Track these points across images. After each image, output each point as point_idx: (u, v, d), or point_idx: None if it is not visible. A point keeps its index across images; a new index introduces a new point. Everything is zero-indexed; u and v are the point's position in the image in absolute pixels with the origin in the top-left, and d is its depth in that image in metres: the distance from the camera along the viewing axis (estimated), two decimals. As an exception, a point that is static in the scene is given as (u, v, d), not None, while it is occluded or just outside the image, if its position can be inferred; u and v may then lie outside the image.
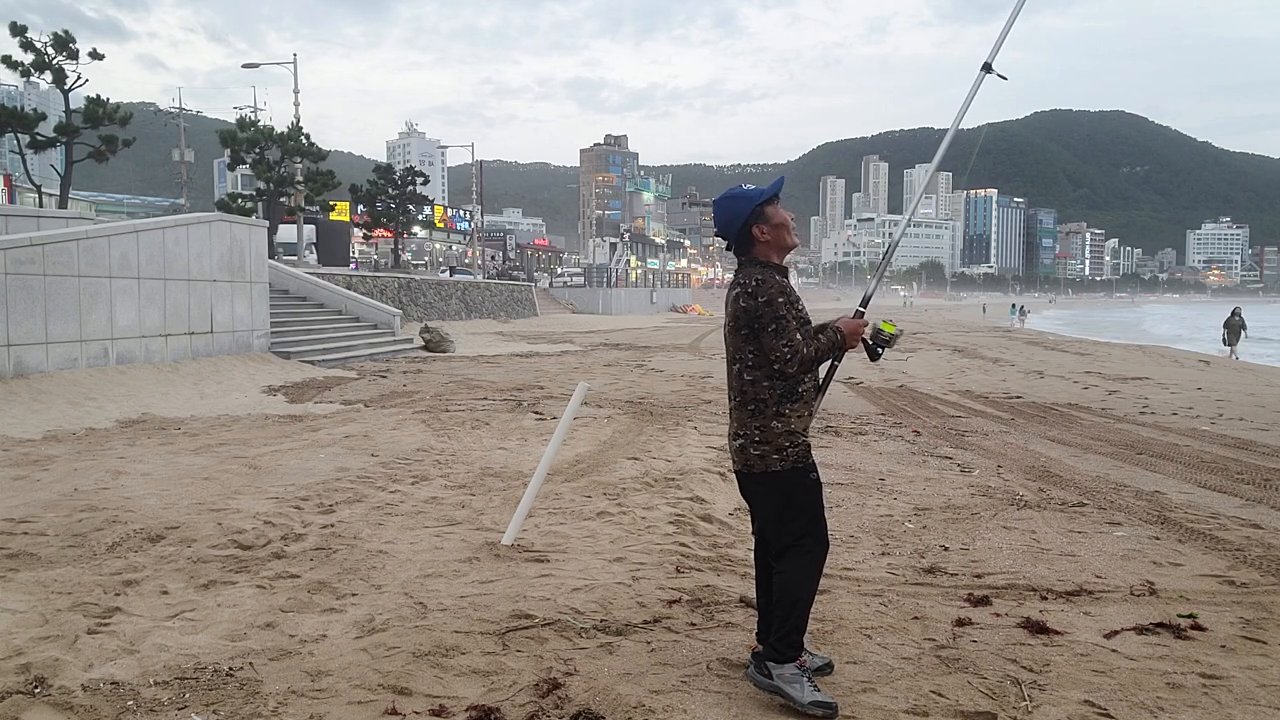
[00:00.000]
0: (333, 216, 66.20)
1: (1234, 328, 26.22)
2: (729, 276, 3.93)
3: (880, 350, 3.27)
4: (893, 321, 3.30)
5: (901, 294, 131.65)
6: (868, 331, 3.24)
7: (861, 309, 3.31)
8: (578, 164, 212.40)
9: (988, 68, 3.83)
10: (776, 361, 3.06)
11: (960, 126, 3.75)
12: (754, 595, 4.01)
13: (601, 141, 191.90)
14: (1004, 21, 3.97)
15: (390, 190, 51.33)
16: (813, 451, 3.21)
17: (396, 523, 5.36)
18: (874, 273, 3.71)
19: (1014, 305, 58.38)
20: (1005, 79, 3.89)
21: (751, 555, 4.80)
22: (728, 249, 3.29)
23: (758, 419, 3.14)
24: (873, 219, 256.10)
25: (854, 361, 19.94)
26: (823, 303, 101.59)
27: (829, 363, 3.23)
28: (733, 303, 3.17)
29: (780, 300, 3.06)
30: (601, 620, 3.78)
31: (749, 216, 3.16)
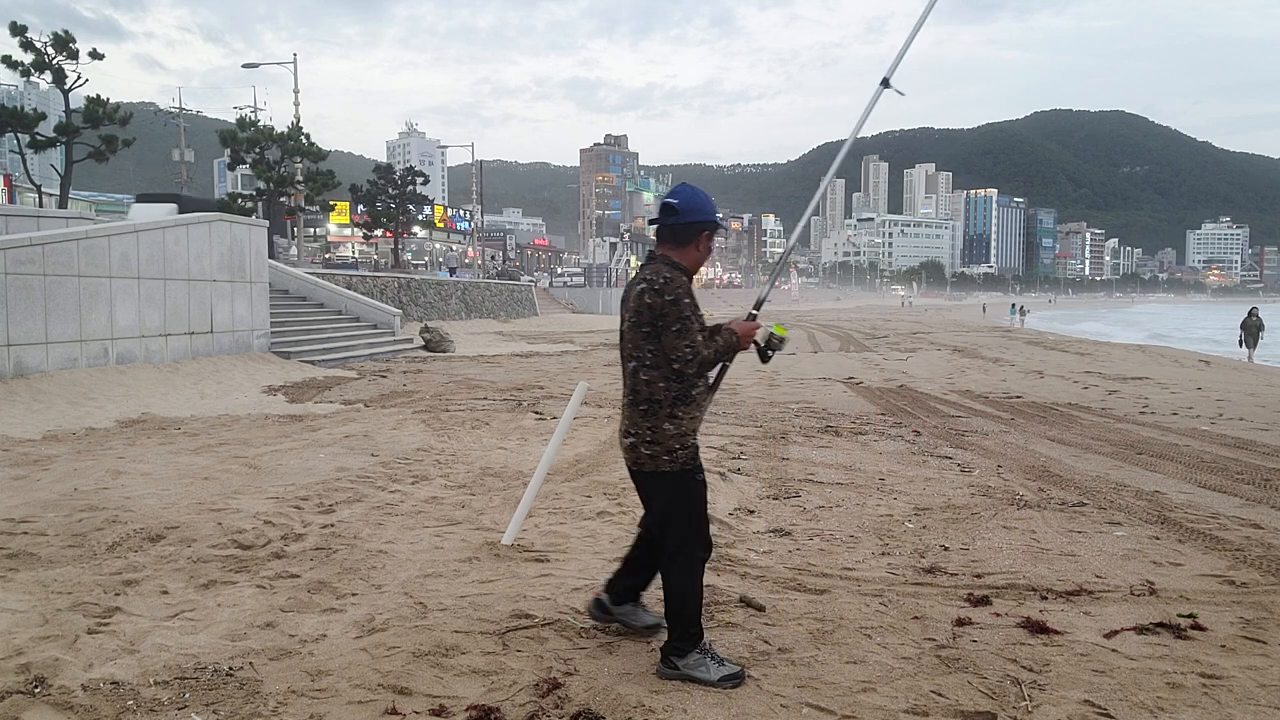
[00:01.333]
0: (333, 217, 66.29)
1: (1252, 329, 24.86)
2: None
3: (770, 353, 3.37)
4: (784, 325, 3.41)
5: (900, 294, 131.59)
6: (760, 334, 3.32)
7: (755, 311, 3.41)
8: (578, 164, 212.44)
9: (885, 83, 4.01)
10: (677, 361, 3.10)
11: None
12: (753, 595, 4.09)
13: (601, 141, 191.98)
14: (904, 40, 4.26)
15: (390, 190, 51.36)
16: (701, 454, 3.33)
17: (396, 523, 5.36)
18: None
19: (1013, 305, 58.47)
20: (903, 94, 4.08)
21: (750, 554, 4.82)
22: (651, 222, 3.36)
23: (650, 419, 3.19)
24: (873, 219, 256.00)
25: (854, 361, 19.95)
26: (823, 303, 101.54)
27: (720, 365, 3.31)
28: (636, 298, 3.17)
29: (686, 301, 3.10)
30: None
31: (708, 223, 3.25)
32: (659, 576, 3.41)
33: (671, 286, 3.10)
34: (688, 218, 3.22)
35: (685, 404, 3.19)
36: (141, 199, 29.77)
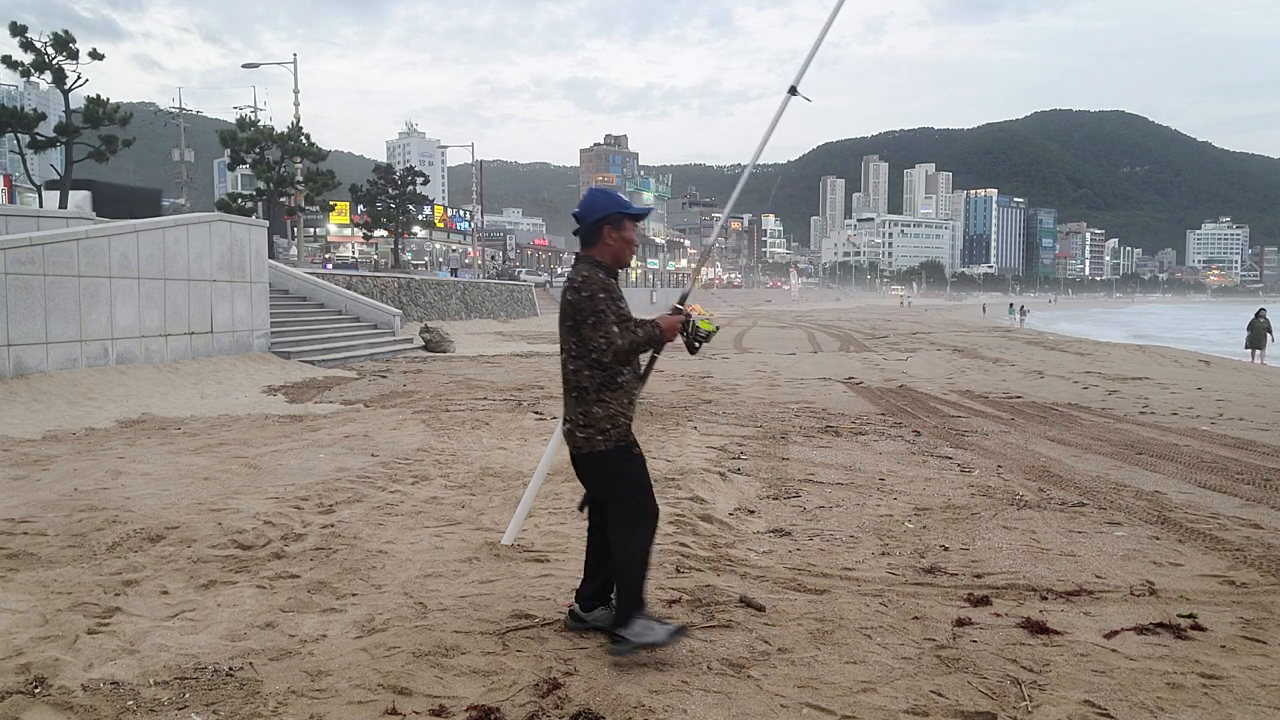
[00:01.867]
0: (333, 217, 66.32)
1: (1259, 330, 23.76)
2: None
3: (697, 345, 3.55)
4: (710, 320, 3.58)
5: (900, 294, 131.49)
6: (686, 327, 3.52)
7: (679, 306, 3.60)
8: (578, 164, 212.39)
9: (793, 90, 4.20)
10: (594, 351, 3.32)
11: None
12: (753, 595, 4.10)
13: (601, 141, 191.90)
14: (809, 48, 4.51)
15: (390, 190, 51.37)
16: (632, 434, 3.47)
17: (396, 523, 5.36)
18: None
19: (1011, 305, 58.55)
20: (810, 100, 4.31)
21: (750, 554, 4.82)
22: (575, 233, 3.55)
23: (580, 405, 3.40)
24: (873, 219, 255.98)
25: (854, 361, 19.95)
26: (823, 303, 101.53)
27: (649, 354, 3.56)
28: (562, 296, 3.42)
29: (602, 296, 3.31)
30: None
31: (608, 216, 3.43)
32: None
33: (589, 284, 3.33)
34: (588, 219, 3.44)
35: (611, 390, 3.38)
36: (50, 186, 28.76)
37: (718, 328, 3.62)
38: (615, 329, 3.31)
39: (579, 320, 3.33)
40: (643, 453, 3.50)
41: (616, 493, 3.44)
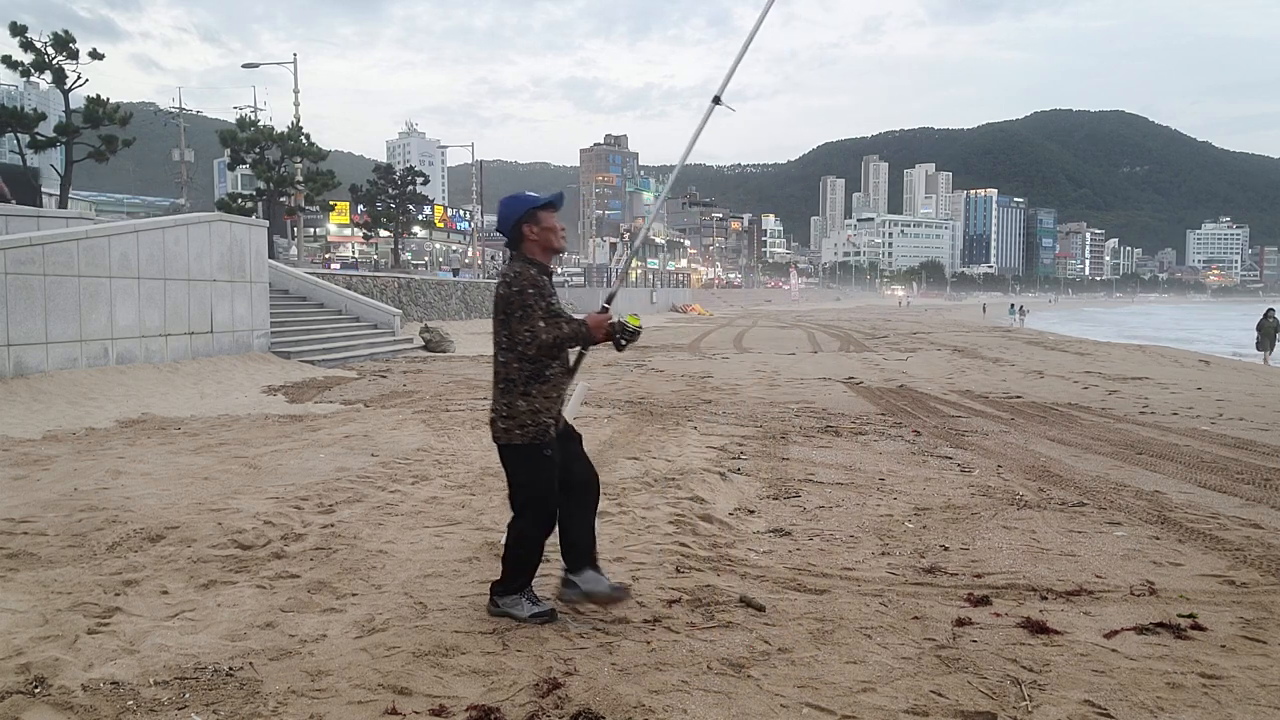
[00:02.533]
0: (333, 217, 66.30)
1: (1268, 331, 23.57)
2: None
3: (624, 342, 3.71)
4: (638, 315, 3.81)
5: (898, 294, 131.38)
6: (615, 326, 3.67)
7: (606, 305, 3.75)
8: (578, 164, 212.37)
9: (717, 100, 4.39)
10: (519, 344, 3.52)
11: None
12: (753, 595, 4.10)
13: (601, 141, 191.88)
14: (733, 58, 4.50)
15: (390, 190, 51.37)
16: (552, 430, 3.65)
17: (396, 523, 5.36)
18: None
19: (1012, 305, 58.62)
20: (733, 110, 4.53)
21: (750, 554, 4.82)
22: (506, 243, 3.75)
23: (506, 396, 3.60)
24: (873, 219, 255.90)
25: (854, 361, 19.95)
26: (823, 303, 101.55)
27: (579, 351, 3.73)
28: (495, 291, 3.64)
29: (530, 291, 3.52)
30: (602, 620, 3.78)
31: (522, 216, 3.63)
32: (597, 531, 3.87)
33: (518, 280, 3.54)
34: (505, 225, 3.68)
35: (539, 383, 3.58)
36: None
37: (642, 326, 3.84)
38: (541, 324, 3.51)
39: (508, 315, 3.53)
40: (555, 457, 3.65)
41: (519, 488, 3.68)
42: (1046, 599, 4.17)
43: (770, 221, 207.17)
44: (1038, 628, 3.74)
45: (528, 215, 3.64)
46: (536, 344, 3.49)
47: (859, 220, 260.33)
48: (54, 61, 27.14)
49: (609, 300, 3.80)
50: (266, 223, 19.54)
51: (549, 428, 3.61)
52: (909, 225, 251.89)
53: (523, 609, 3.70)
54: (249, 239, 16.12)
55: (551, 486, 3.67)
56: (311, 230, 64.15)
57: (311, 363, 16.20)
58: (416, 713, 2.94)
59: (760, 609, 3.92)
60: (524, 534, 3.69)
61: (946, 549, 5.01)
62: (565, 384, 3.71)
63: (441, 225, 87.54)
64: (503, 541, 3.86)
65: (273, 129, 37.30)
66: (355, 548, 4.80)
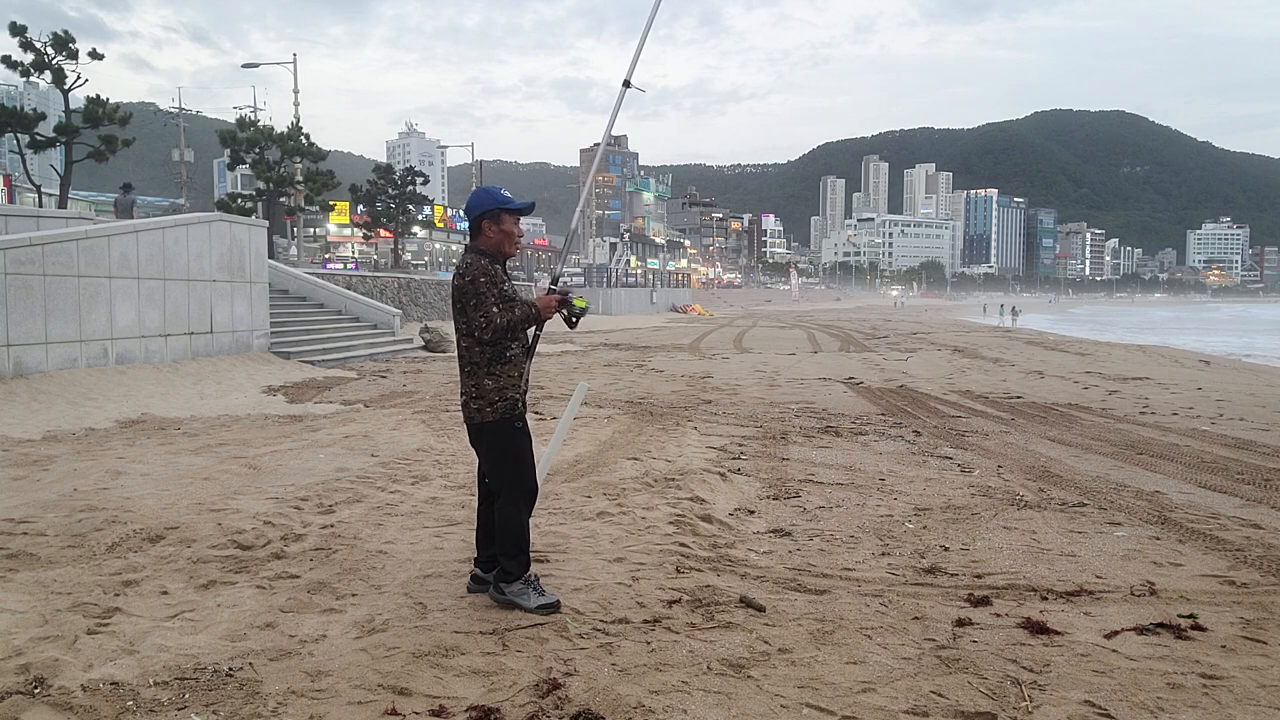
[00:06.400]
0: (333, 217, 66.30)
1: None
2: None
3: (575, 320, 3.99)
4: (583, 298, 4.05)
5: (896, 294, 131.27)
6: (560, 304, 3.92)
7: (553, 286, 4.00)
8: (577, 164, 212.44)
9: (627, 84, 4.59)
10: (476, 329, 3.76)
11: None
12: (753, 595, 4.10)
13: (601, 141, 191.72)
14: (637, 42, 4.67)
15: (390, 190, 51.33)
16: (525, 407, 3.91)
17: (396, 523, 5.36)
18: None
19: (1001, 305, 59.24)
20: (644, 91, 4.73)
21: (750, 554, 4.82)
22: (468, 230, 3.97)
23: (473, 378, 3.84)
24: (873, 219, 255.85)
25: (854, 361, 19.94)
26: (823, 303, 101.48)
27: (533, 331, 3.98)
28: (452, 282, 3.85)
29: (483, 280, 3.75)
30: (602, 620, 3.78)
31: (486, 211, 3.85)
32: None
33: (471, 270, 3.77)
34: (470, 216, 3.89)
35: (501, 364, 3.83)
36: None
37: (588, 306, 4.16)
38: (495, 309, 3.74)
39: (464, 304, 3.76)
40: (528, 429, 3.91)
41: (500, 463, 3.87)
42: (1047, 599, 4.17)
43: (770, 221, 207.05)
44: (1038, 628, 3.74)
45: (492, 213, 3.84)
46: (492, 328, 3.72)
47: (859, 220, 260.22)
48: (54, 61, 27.12)
49: (554, 281, 4.11)
50: (266, 223, 19.52)
51: (516, 403, 3.85)
52: (909, 225, 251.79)
53: (529, 599, 3.80)
54: (249, 239, 16.12)
55: (530, 458, 3.89)
56: (312, 230, 64.18)
57: (311, 363, 16.19)
58: (416, 713, 2.93)
59: (760, 609, 3.92)
60: (509, 512, 3.85)
61: (947, 549, 5.01)
62: (525, 363, 3.94)
63: (441, 225, 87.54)
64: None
65: (272, 129, 37.26)
66: (355, 548, 4.79)
